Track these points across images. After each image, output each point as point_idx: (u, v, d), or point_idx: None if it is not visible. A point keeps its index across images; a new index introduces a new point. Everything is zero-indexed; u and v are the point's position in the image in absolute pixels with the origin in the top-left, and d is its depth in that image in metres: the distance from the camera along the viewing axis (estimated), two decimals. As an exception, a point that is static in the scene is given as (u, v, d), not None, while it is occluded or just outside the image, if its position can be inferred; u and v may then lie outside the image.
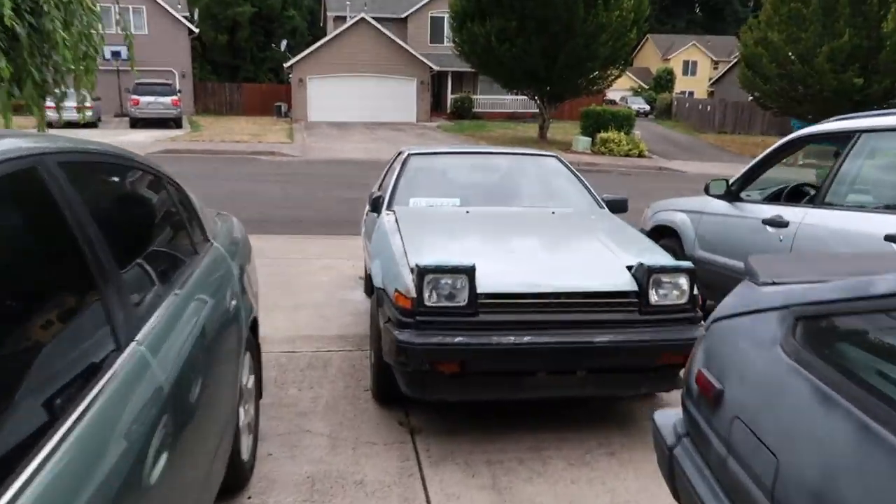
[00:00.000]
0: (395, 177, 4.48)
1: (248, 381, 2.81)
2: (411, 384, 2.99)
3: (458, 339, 2.88)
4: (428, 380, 2.93)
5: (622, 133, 22.97)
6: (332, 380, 4.01)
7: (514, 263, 3.20)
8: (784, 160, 4.66)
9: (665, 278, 3.08)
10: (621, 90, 46.98)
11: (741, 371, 1.65)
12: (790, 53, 22.06)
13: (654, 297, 3.07)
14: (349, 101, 30.95)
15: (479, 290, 2.98)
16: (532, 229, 3.81)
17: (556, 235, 3.69)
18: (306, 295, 5.99)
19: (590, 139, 22.99)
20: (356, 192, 13.24)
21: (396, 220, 3.85)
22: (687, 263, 3.10)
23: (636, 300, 3.08)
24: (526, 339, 2.90)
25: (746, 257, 2.01)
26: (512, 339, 2.90)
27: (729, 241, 4.54)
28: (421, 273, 2.95)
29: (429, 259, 3.13)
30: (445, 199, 4.25)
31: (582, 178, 4.67)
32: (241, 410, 2.58)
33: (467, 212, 4.00)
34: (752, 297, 1.77)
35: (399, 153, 5.31)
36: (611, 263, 3.24)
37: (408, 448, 3.17)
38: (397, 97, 32.08)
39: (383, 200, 4.32)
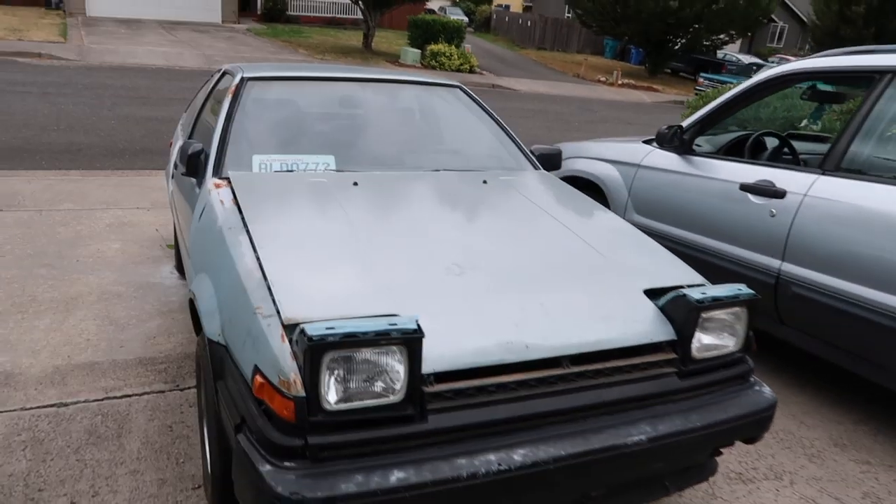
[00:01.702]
0: (223, 117, 2.76)
1: None
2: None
3: (394, 479, 1.46)
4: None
5: (453, 46, 21.64)
6: (132, 468, 2.39)
7: (469, 305, 1.79)
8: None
9: (718, 316, 1.87)
10: (441, 0, 45.33)
11: None
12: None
13: (697, 348, 1.86)
14: (139, -8, 26.09)
15: (426, 370, 1.56)
16: (470, 219, 2.37)
17: (510, 230, 2.30)
18: (86, 278, 4.09)
19: (419, 51, 21.38)
20: (156, 109, 10.63)
21: (237, 204, 2.23)
22: (746, 290, 1.91)
23: (673, 355, 1.86)
24: (518, 456, 1.56)
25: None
26: (493, 459, 1.55)
27: (686, 210, 3.47)
28: (315, 349, 1.46)
29: (319, 307, 1.64)
30: (311, 158, 2.66)
31: (497, 117, 3.29)
32: None
33: (355, 183, 2.46)
34: None
35: (223, 73, 3.52)
36: (625, 291, 1.96)
37: None
38: (198, -8, 27.69)
39: (207, 159, 2.62)
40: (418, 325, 1.52)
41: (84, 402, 2.77)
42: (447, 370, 1.60)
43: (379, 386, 1.54)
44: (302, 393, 1.48)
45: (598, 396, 1.73)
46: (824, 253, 2.79)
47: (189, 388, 2.92)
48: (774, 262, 3.00)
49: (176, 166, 3.56)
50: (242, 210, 2.16)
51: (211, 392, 1.90)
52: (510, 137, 3.22)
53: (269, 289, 1.73)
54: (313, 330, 1.47)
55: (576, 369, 1.74)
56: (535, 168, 3.07)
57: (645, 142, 4.04)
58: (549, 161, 3.21)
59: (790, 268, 2.93)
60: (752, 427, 1.88)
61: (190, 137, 3.60)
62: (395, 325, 1.51)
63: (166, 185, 4.40)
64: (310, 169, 2.62)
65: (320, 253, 1.94)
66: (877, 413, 3.02)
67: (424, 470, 1.50)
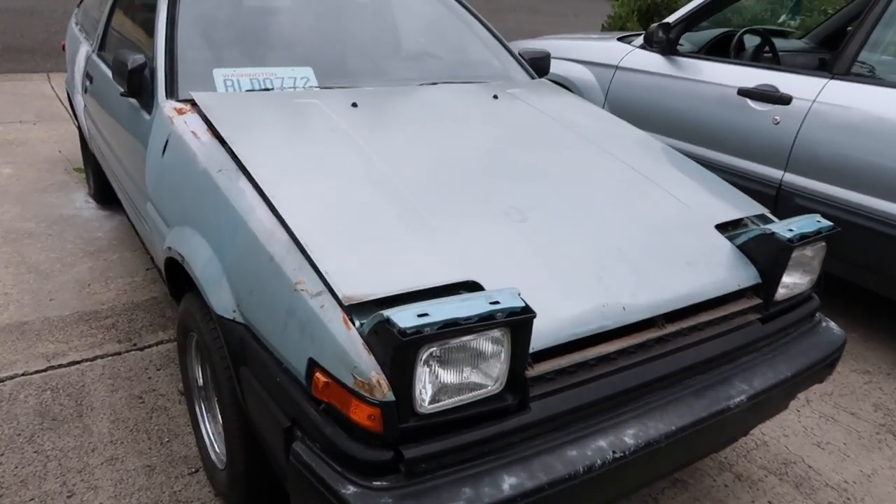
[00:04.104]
0: (164, 17, 2.19)
1: None
2: None
3: (507, 486, 1.21)
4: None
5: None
6: (108, 455, 2.01)
7: (545, 259, 1.49)
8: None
9: (804, 253, 1.69)
10: None
11: None
12: None
13: (781, 290, 1.69)
14: None
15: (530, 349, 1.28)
16: (500, 147, 1.99)
17: (548, 158, 1.96)
18: (-18, 214, 3.42)
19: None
20: (11, -4, 9.06)
21: (218, 137, 1.78)
22: (825, 222, 1.73)
23: (757, 300, 1.67)
24: (629, 438, 1.35)
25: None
26: (604, 445, 1.33)
27: (674, 117, 3.26)
28: (410, 346, 1.15)
29: (381, 279, 1.31)
30: (285, 72, 2.17)
31: (480, 16, 2.86)
32: None
33: (354, 104, 2.02)
34: None
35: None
36: (698, 228, 1.73)
37: None
38: None
39: (154, 75, 2.08)
40: (526, 304, 1.23)
41: (23, 374, 2.30)
42: (545, 347, 1.34)
43: (474, 376, 1.26)
44: (390, 396, 1.17)
45: (694, 356, 1.53)
46: (833, 163, 2.68)
47: (149, 345, 2.51)
48: (776, 173, 2.88)
49: (89, 78, 2.93)
50: (230, 145, 1.72)
51: (227, 379, 1.54)
52: (498, 40, 2.82)
53: (306, 254, 1.36)
54: (403, 319, 1.14)
55: (671, 328, 1.52)
56: (532, 76, 2.72)
57: (620, 39, 3.74)
58: (538, 65, 2.86)
59: (793, 178, 2.82)
60: (827, 367, 1.77)
61: (103, 40, 2.95)
62: (499, 303, 1.21)
63: (70, 99, 3.68)
64: (287, 86, 2.15)
65: (349, 201, 1.56)
66: (862, 321, 3.07)
67: (536, 470, 1.26)
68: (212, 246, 1.60)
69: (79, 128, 3.65)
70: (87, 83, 2.98)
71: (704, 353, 1.54)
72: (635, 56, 3.51)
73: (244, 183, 1.60)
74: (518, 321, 1.21)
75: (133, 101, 2.19)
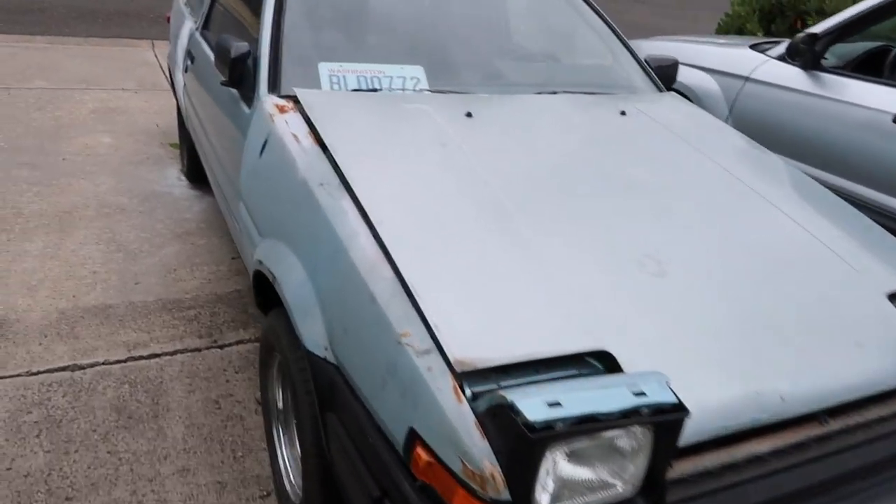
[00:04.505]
0: (271, 4, 2.05)
1: None
2: None
3: None
4: None
5: None
6: (180, 465, 1.92)
7: (689, 328, 1.25)
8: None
9: None
10: None
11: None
12: None
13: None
14: None
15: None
16: (630, 176, 1.75)
17: (688, 194, 1.72)
18: (77, 184, 3.44)
19: None
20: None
21: (321, 144, 1.62)
22: None
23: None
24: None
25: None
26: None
27: (813, 141, 2.91)
28: (539, 444, 0.95)
29: (500, 340, 1.13)
30: (394, 70, 2.00)
31: (602, 12, 2.60)
32: None
33: (468, 114, 1.83)
34: None
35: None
36: (867, 296, 1.46)
37: None
38: None
39: (256, 65, 1.95)
40: (678, 398, 1.01)
41: (104, 363, 2.25)
42: (688, 444, 1.11)
43: (604, 474, 1.05)
44: (505, 496, 0.98)
45: (860, 460, 1.27)
46: None
47: (229, 344, 2.42)
48: (934, 218, 2.51)
49: (191, 57, 2.84)
50: (333, 155, 1.55)
51: (311, 419, 1.40)
52: (622, 42, 2.55)
53: (413, 300, 1.19)
54: (531, 409, 0.95)
55: (835, 425, 1.26)
56: (658, 88, 2.44)
57: (753, 47, 3.38)
58: (664, 74, 2.57)
59: (954, 226, 2.44)
60: None
61: (207, 19, 2.85)
62: (645, 395, 1.00)
63: (170, 73, 3.65)
64: (396, 87, 1.97)
65: (463, 235, 1.37)
66: None
67: None
68: (306, 268, 1.45)
69: (177, 102, 3.61)
70: (189, 62, 2.91)
71: (873, 457, 1.28)
72: (771, 67, 3.16)
73: (347, 202, 1.44)
74: (667, 421, 1.00)
75: (234, 91, 2.06)
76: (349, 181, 1.47)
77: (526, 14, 2.53)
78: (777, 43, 3.36)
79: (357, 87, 1.94)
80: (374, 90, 1.93)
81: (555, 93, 2.13)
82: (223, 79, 2.03)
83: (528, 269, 1.30)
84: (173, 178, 3.66)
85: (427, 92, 1.98)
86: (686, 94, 3.47)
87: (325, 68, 1.96)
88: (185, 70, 2.96)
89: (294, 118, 1.75)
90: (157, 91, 5.00)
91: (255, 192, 1.81)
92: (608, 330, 1.20)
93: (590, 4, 2.58)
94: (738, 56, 3.34)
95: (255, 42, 2.03)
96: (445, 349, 1.10)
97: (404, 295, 1.21)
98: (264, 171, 1.76)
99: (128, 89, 4.97)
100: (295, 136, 1.68)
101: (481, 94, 2.01)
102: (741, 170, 1.84)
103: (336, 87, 1.94)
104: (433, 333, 1.13)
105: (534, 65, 2.38)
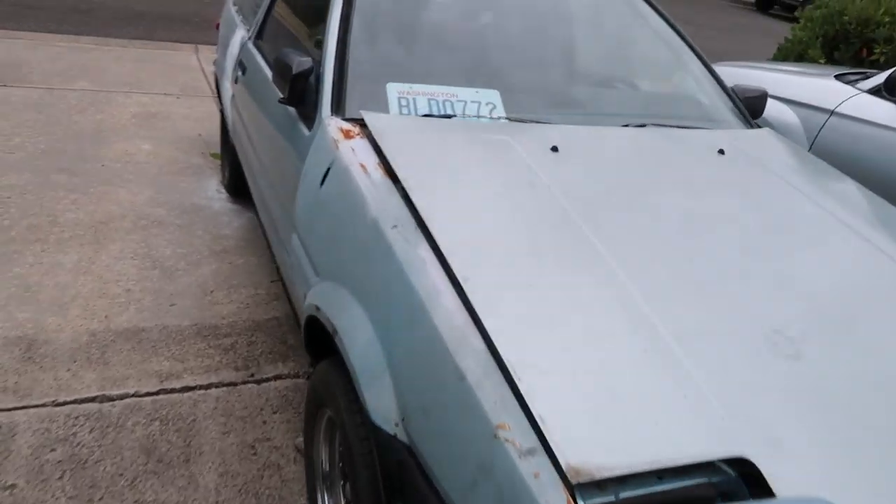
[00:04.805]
0: (337, 17, 1.87)
1: None
2: None
3: None
4: None
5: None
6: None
7: (839, 432, 1.03)
8: None
9: None
10: None
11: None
12: None
13: None
14: None
15: None
16: (741, 229, 1.53)
17: (808, 255, 1.50)
18: (115, 192, 3.30)
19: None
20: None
21: (392, 177, 1.43)
22: None
23: None
24: None
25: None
26: None
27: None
28: None
29: (619, 443, 0.92)
30: (468, 94, 1.81)
31: (683, 32, 2.38)
32: None
33: (553, 149, 1.62)
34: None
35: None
36: None
37: None
38: None
39: (319, 83, 1.77)
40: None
41: (134, 395, 2.08)
42: None
43: None
44: None
45: None
46: None
47: (267, 379, 2.23)
48: None
49: (242, 68, 2.68)
50: (409, 192, 1.36)
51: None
52: (708, 69, 2.34)
53: (511, 382, 0.98)
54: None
55: None
56: (748, 122, 2.22)
57: (838, 77, 3.14)
58: (752, 106, 2.35)
59: None
60: None
61: (262, 28, 2.70)
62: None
63: (216, 81, 3.51)
64: (470, 113, 1.78)
65: (567, 301, 1.17)
66: None
67: None
68: (375, 325, 1.26)
69: (221, 112, 3.47)
70: (239, 73, 2.75)
71: None
72: (862, 102, 2.91)
73: (426, 250, 1.24)
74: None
75: (291, 109, 1.89)
76: (427, 223, 1.28)
77: (606, 36, 2.33)
78: (865, 74, 3.12)
79: (428, 112, 1.75)
80: (448, 116, 1.74)
81: (643, 125, 1.91)
82: (281, 96, 1.85)
83: (646, 349, 1.09)
84: (213, 190, 3.51)
85: (504, 120, 1.78)
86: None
87: (393, 90, 1.78)
88: (235, 81, 2.81)
89: (361, 145, 1.57)
90: (199, 97, 4.88)
91: (314, 227, 1.63)
92: (743, 426, 0.99)
93: (674, 27, 2.37)
94: (823, 87, 3.10)
95: (315, 57, 1.86)
96: (556, 451, 0.90)
97: (500, 374, 1.01)
98: (326, 203, 1.57)
99: (170, 94, 4.87)
100: (363, 167, 1.49)
101: (564, 125, 1.81)
102: (865, 226, 1.61)
103: (405, 110, 1.75)
104: (539, 428, 0.93)
105: (616, 91, 2.17)
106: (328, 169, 1.59)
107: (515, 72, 1.99)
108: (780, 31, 6.49)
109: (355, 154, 1.54)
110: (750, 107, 2.34)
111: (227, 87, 3.04)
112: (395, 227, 1.31)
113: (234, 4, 3.47)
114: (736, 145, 1.90)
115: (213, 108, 4.51)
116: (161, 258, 2.81)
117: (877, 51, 5.83)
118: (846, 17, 5.83)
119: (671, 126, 1.95)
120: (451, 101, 1.80)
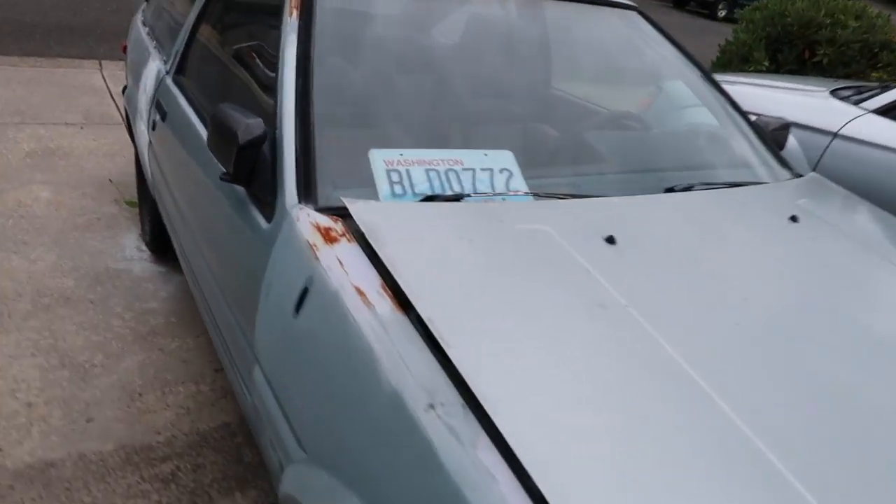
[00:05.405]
0: (290, 57, 1.40)
1: None
2: None
3: None
4: None
5: None
6: None
7: None
8: None
9: None
10: None
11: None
12: None
13: None
14: None
15: None
16: (849, 338, 1.18)
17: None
18: (8, 260, 2.69)
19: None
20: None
21: (407, 313, 0.98)
22: None
23: None
24: None
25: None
26: None
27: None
28: None
29: None
30: (475, 159, 1.37)
31: (703, 66, 2.03)
32: None
33: (609, 240, 1.21)
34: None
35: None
36: None
37: None
38: None
39: (279, 153, 1.30)
40: None
41: (42, 572, 1.55)
42: None
43: None
44: None
45: None
46: None
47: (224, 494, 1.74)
48: None
49: (160, 112, 2.16)
50: (442, 344, 0.92)
51: None
52: (730, 102, 1.99)
53: None
54: None
55: None
56: (785, 164, 1.88)
57: (834, 94, 2.88)
58: (776, 141, 2.03)
59: None
60: None
61: (182, 61, 2.17)
62: None
63: (128, 118, 2.93)
64: (483, 188, 1.35)
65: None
66: None
67: None
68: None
69: (136, 153, 2.91)
70: (157, 117, 2.22)
71: None
72: (868, 123, 2.65)
73: (490, 453, 0.81)
74: None
75: (239, 189, 1.40)
76: (484, 403, 0.84)
77: (622, 74, 1.93)
78: (860, 89, 2.87)
79: (430, 189, 1.31)
80: (457, 197, 1.30)
81: (690, 188, 1.53)
82: (223, 170, 1.37)
83: None
84: (131, 247, 2.94)
85: (529, 197, 1.36)
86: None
87: (379, 159, 1.33)
88: (153, 127, 2.27)
89: (351, 254, 1.11)
90: (107, 125, 4.24)
91: (289, 370, 1.16)
92: None
93: (678, 46, 2.01)
94: (821, 107, 2.83)
95: (268, 111, 1.38)
96: None
97: None
98: (306, 343, 1.11)
99: (72, 124, 4.20)
100: (361, 293, 1.04)
101: (601, 198, 1.40)
102: None
103: (398, 189, 1.30)
104: None
105: (641, 140, 1.79)
106: (304, 289, 1.12)
107: (529, 126, 1.57)
108: (698, 27, 6.33)
109: (345, 270, 1.08)
110: (774, 141, 2.02)
111: (143, 131, 2.48)
112: (430, 406, 0.87)
113: (145, 25, 2.90)
114: (801, 205, 1.54)
115: (125, 138, 3.87)
116: (71, 351, 2.25)
117: (819, 52, 5.74)
118: (788, 19, 5.72)
119: (719, 185, 1.58)
120: (455, 171, 1.37)
